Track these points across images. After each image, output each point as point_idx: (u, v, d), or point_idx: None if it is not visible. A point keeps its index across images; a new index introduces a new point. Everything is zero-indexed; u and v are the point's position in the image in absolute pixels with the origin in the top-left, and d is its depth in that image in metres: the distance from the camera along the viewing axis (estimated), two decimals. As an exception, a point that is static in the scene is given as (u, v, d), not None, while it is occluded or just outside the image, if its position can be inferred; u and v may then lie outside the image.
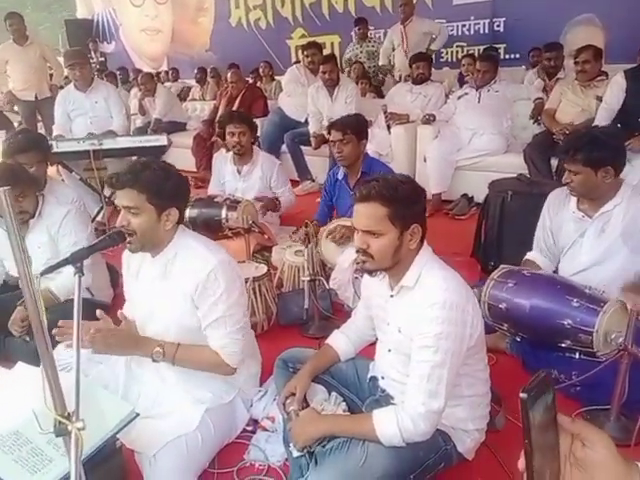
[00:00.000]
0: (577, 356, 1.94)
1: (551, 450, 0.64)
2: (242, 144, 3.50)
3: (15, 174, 2.36)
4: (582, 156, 2.04)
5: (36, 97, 5.91)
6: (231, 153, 3.64)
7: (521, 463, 0.62)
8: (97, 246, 1.68)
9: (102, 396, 1.58)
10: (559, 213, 2.27)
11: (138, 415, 1.55)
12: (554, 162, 3.87)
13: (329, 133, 3.06)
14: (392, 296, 1.60)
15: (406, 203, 1.48)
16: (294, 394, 1.70)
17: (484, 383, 1.65)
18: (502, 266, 2.23)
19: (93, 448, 1.43)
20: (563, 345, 1.93)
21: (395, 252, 1.51)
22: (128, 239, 1.72)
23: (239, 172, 3.65)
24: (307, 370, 1.77)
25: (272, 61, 8.27)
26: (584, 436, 0.65)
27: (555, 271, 2.33)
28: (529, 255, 2.39)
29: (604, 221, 2.13)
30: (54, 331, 1.61)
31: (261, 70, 7.65)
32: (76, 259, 1.50)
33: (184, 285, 1.75)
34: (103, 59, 10.76)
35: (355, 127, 2.98)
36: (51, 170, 2.91)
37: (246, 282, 2.36)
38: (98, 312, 1.75)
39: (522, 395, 0.60)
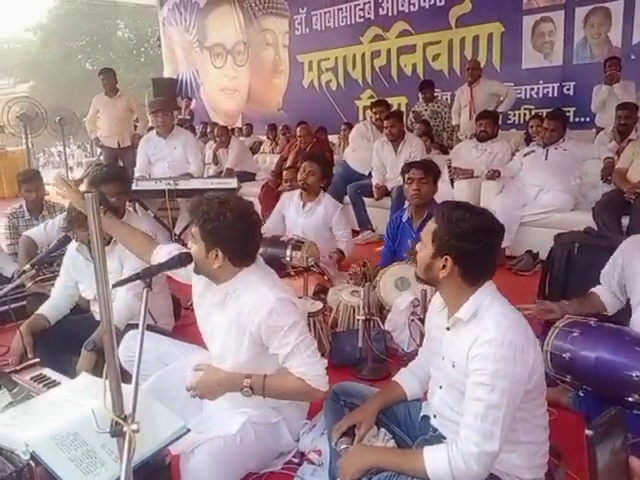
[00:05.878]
0: (646, 413, 1.82)
1: None
2: (308, 182, 3.68)
3: None
4: None
5: (118, 145, 6.44)
6: (298, 191, 3.82)
7: None
8: (166, 265, 1.80)
9: (156, 408, 1.62)
10: (635, 260, 2.15)
11: (189, 431, 1.58)
12: (625, 221, 3.74)
13: (407, 171, 3.17)
14: (448, 329, 1.57)
15: (451, 233, 1.49)
16: (353, 427, 1.68)
17: (543, 431, 1.56)
18: (567, 315, 2.15)
19: (143, 457, 1.46)
20: (630, 399, 1.81)
21: (427, 268, 1.56)
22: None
23: (303, 207, 3.79)
24: (374, 406, 1.74)
25: (339, 120, 8.59)
26: None
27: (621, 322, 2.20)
28: (594, 288, 2.29)
29: None
30: None
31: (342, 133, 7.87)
32: (146, 275, 1.62)
33: (243, 321, 1.79)
34: (190, 116, 11.39)
35: (433, 170, 3.19)
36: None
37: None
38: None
39: (588, 432, 0.57)
